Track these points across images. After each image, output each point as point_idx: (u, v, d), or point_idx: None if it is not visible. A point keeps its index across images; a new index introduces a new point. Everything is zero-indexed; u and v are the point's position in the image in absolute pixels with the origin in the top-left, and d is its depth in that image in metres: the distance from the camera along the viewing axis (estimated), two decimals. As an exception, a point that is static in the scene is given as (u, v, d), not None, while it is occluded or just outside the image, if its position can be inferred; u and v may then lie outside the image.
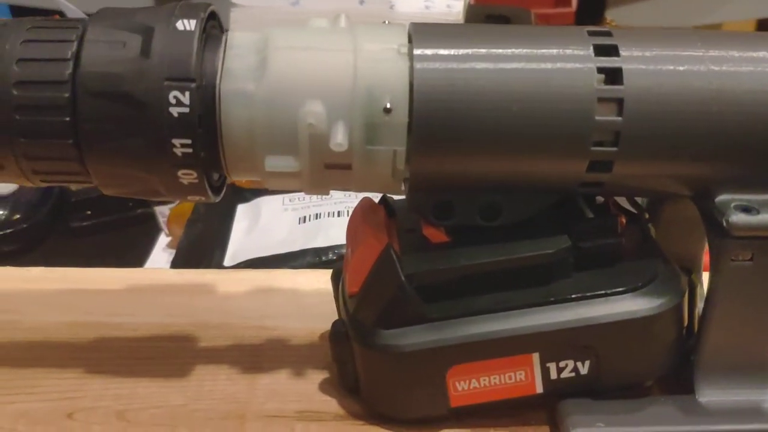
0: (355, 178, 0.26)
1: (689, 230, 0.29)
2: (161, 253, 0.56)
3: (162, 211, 0.57)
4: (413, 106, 0.24)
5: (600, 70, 0.24)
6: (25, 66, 0.24)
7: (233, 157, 0.25)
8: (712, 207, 0.25)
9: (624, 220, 0.28)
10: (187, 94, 0.24)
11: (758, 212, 0.24)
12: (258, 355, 0.32)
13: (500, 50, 0.24)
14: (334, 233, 0.48)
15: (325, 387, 0.30)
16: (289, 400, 0.30)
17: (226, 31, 0.26)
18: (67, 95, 0.24)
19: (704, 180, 0.25)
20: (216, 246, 0.50)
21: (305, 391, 0.30)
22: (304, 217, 0.51)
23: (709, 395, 0.27)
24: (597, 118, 0.24)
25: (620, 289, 0.26)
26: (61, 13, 0.70)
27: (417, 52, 0.24)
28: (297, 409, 0.29)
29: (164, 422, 0.29)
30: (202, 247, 0.51)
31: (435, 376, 0.26)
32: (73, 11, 0.69)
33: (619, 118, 0.24)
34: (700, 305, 0.28)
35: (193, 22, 0.24)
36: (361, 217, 0.30)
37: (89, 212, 0.58)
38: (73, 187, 0.55)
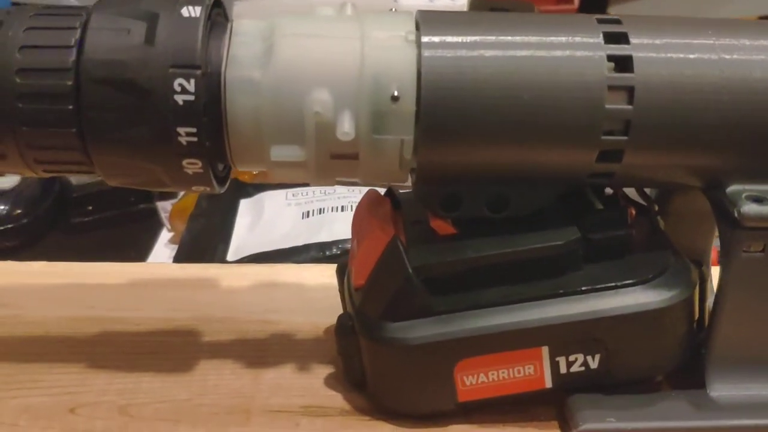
0: (362, 168, 0.25)
1: (698, 222, 0.29)
2: (163, 248, 0.56)
3: (164, 206, 0.57)
4: (421, 94, 0.24)
5: (610, 57, 0.24)
6: (28, 53, 0.24)
7: (239, 146, 0.25)
8: (723, 197, 0.25)
9: (633, 212, 0.27)
10: (192, 81, 0.23)
11: (771, 202, 0.24)
12: (262, 350, 0.32)
13: (509, 38, 0.24)
14: (338, 228, 0.48)
15: (330, 381, 0.30)
16: (294, 395, 0.29)
17: (232, 20, 0.25)
18: (70, 83, 0.23)
19: (715, 170, 0.25)
20: (219, 241, 0.50)
21: (310, 385, 0.30)
22: (308, 212, 0.50)
23: (720, 389, 0.27)
24: (607, 106, 0.24)
25: (630, 282, 0.26)
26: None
27: (425, 39, 0.24)
28: (302, 404, 0.29)
29: (168, 417, 0.28)
30: (205, 242, 0.51)
31: (442, 370, 0.26)
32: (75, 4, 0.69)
33: (630, 107, 0.24)
34: (710, 298, 0.28)
35: (198, 9, 0.24)
36: (366, 209, 0.29)
37: (91, 207, 0.57)
38: (75, 179, 0.55)
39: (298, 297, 0.35)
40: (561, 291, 0.26)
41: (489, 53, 0.24)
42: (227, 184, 0.27)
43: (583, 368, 0.26)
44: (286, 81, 0.24)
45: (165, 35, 0.23)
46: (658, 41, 0.24)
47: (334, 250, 0.46)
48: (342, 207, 0.50)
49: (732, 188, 0.25)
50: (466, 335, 0.26)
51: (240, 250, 0.49)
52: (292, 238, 0.48)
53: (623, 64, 0.24)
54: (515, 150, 0.25)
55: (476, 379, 0.26)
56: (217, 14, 0.25)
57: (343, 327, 0.27)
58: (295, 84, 0.24)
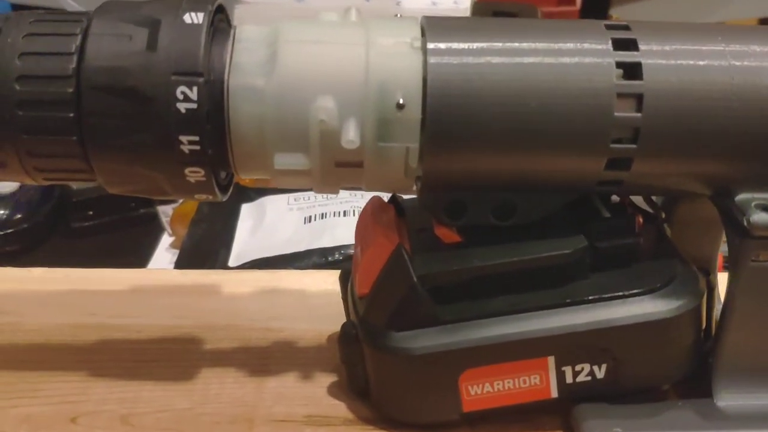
0: (367, 176, 0.25)
1: (705, 230, 0.29)
2: (164, 253, 0.56)
3: (165, 211, 0.56)
4: (427, 101, 0.23)
5: (619, 64, 0.23)
6: (28, 60, 0.23)
7: (242, 154, 0.25)
8: (732, 206, 0.24)
9: (641, 220, 0.27)
10: (195, 89, 0.23)
11: (781, 211, 0.24)
12: (265, 358, 0.31)
13: (516, 44, 0.24)
14: (340, 233, 0.48)
15: (333, 390, 0.30)
16: (298, 404, 0.29)
17: (235, 26, 0.25)
18: (71, 90, 0.23)
19: (724, 178, 0.25)
20: (220, 246, 0.50)
21: (314, 394, 0.29)
22: (310, 217, 0.50)
23: (727, 399, 0.26)
24: (616, 114, 0.23)
25: (638, 291, 0.25)
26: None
27: (430, 46, 0.24)
28: (305, 414, 0.29)
29: (170, 427, 0.28)
30: (206, 247, 0.50)
31: (447, 379, 0.26)
32: (74, 9, 0.68)
33: (639, 114, 0.23)
34: (717, 307, 0.28)
35: (200, 15, 0.24)
36: (370, 216, 0.29)
37: (91, 212, 0.57)
38: (75, 184, 0.54)
39: (301, 304, 0.35)
40: (568, 300, 0.25)
41: (496, 60, 0.23)
42: (230, 191, 0.27)
43: (589, 378, 0.26)
44: (290, 88, 0.24)
45: (167, 42, 0.23)
46: (667, 48, 0.24)
47: (337, 255, 0.46)
48: (344, 212, 0.50)
49: (741, 197, 0.24)
50: (471, 345, 0.25)
51: (242, 255, 0.49)
52: (294, 243, 0.47)
53: (632, 71, 0.23)
54: (522, 158, 0.24)
55: (481, 389, 0.26)
56: (220, 20, 0.25)
57: (347, 336, 0.27)
58: (299, 91, 0.23)
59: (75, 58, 0.23)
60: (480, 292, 0.26)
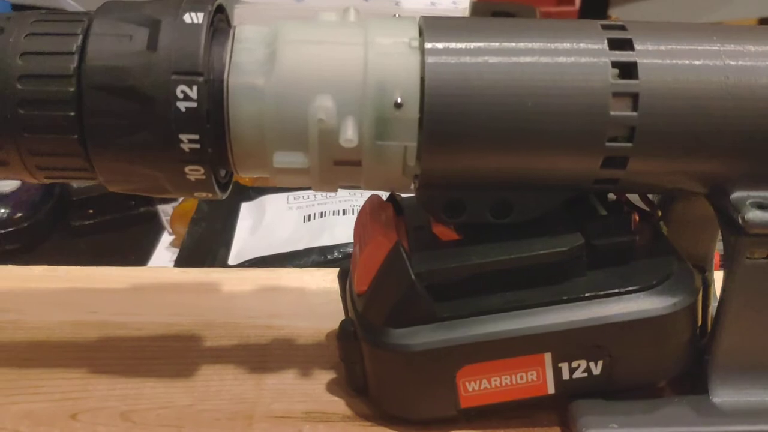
0: (365, 174, 0.25)
1: (701, 228, 0.29)
2: (164, 251, 0.56)
3: (165, 210, 0.57)
4: (424, 100, 0.23)
5: (614, 64, 0.24)
6: (30, 60, 0.24)
7: (241, 152, 0.25)
8: (728, 204, 0.25)
9: (637, 218, 0.27)
10: (195, 88, 0.23)
11: (775, 209, 0.24)
12: (264, 355, 0.32)
13: (513, 44, 0.24)
14: (339, 232, 0.48)
15: (332, 387, 0.30)
16: (297, 401, 0.29)
17: (234, 26, 0.25)
18: (72, 89, 0.23)
19: (720, 176, 0.25)
20: (220, 245, 0.50)
21: (313, 391, 0.30)
22: (309, 216, 0.50)
23: (723, 396, 0.26)
24: (612, 113, 0.24)
25: (634, 288, 0.26)
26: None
27: (428, 45, 0.24)
28: (304, 410, 0.29)
29: (171, 423, 0.28)
30: (206, 245, 0.50)
31: (445, 376, 0.26)
32: (74, 9, 0.69)
33: (634, 113, 0.24)
34: (713, 304, 0.28)
35: (200, 15, 0.24)
36: (369, 214, 0.29)
37: (91, 211, 0.57)
38: (75, 183, 0.55)
39: (300, 302, 0.35)
40: (564, 297, 0.26)
41: (493, 60, 0.24)
42: (229, 189, 0.27)
43: (585, 374, 0.26)
44: (290, 88, 0.24)
45: (167, 41, 0.23)
46: (662, 47, 0.24)
47: (336, 254, 0.46)
48: (343, 210, 0.50)
49: (736, 195, 0.25)
50: (468, 341, 0.25)
51: (241, 253, 0.49)
52: (294, 242, 0.48)
53: (628, 70, 0.24)
54: (519, 156, 0.24)
55: (479, 386, 0.26)
56: (220, 20, 0.25)
57: (346, 333, 0.27)
58: (298, 91, 0.24)
59: (76, 57, 0.24)
60: (478, 289, 0.26)
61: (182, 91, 0.23)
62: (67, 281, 0.37)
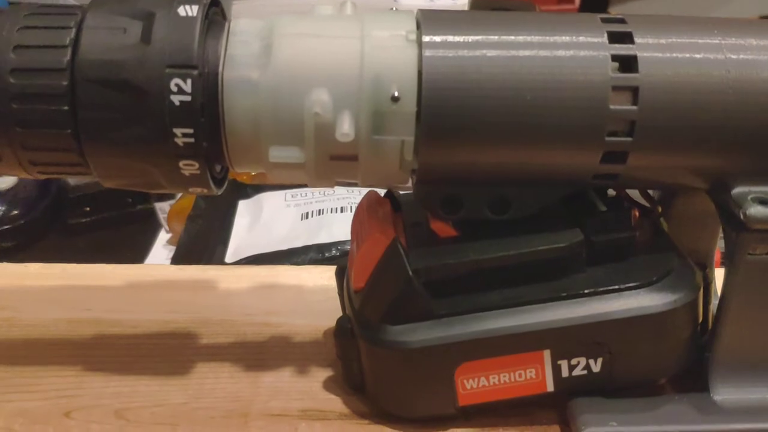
0: (362, 169, 0.25)
1: (702, 224, 0.29)
2: (161, 249, 0.56)
3: (162, 207, 0.56)
4: (422, 94, 0.23)
5: (614, 57, 0.23)
6: (22, 53, 0.23)
7: (236, 147, 0.25)
8: (729, 199, 0.24)
9: (637, 214, 0.27)
10: (189, 81, 0.23)
11: (777, 204, 0.24)
12: (261, 353, 0.31)
13: (512, 37, 0.24)
14: (337, 229, 0.47)
15: (329, 385, 0.29)
16: (293, 399, 0.29)
17: (229, 19, 0.25)
18: (65, 83, 0.23)
19: (721, 171, 0.25)
20: (217, 242, 0.50)
21: (309, 389, 0.29)
22: (307, 213, 0.50)
23: (724, 393, 0.26)
24: (611, 107, 0.23)
25: (634, 284, 0.25)
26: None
27: (426, 38, 0.23)
28: (301, 408, 0.29)
29: (165, 421, 0.28)
30: (203, 243, 0.50)
31: (443, 373, 0.26)
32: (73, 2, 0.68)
33: (634, 107, 0.23)
34: (714, 301, 0.28)
35: (195, 8, 0.24)
36: (366, 210, 0.29)
37: (88, 208, 0.57)
38: (72, 180, 0.54)
39: (298, 299, 0.35)
40: (563, 294, 0.25)
41: (491, 53, 0.23)
42: (225, 185, 0.27)
43: (585, 372, 0.26)
44: (285, 81, 0.23)
45: (161, 34, 0.23)
46: (663, 41, 0.24)
47: (333, 251, 0.46)
48: (341, 208, 0.50)
49: (737, 190, 0.24)
50: (467, 339, 0.25)
51: (238, 251, 0.49)
52: (291, 239, 0.47)
53: (628, 64, 0.23)
54: (518, 151, 0.24)
55: (477, 383, 0.26)
56: (215, 13, 0.25)
57: (343, 330, 0.27)
58: (294, 84, 0.23)
59: (69, 51, 0.23)
60: (476, 285, 0.26)
61: (176, 85, 0.23)
62: (62, 278, 0.36)
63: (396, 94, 0.23)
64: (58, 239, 0.56)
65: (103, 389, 0.29)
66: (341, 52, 0.24)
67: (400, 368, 0.26)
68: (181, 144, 0.23)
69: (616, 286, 0.25)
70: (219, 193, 0.27)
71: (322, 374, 0.30)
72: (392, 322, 0.26)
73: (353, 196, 0.50)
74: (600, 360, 0.26)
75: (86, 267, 0.38)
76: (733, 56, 0.24)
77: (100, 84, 0.23)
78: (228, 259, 0.48)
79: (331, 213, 0.49)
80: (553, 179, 0.25)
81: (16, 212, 0.55)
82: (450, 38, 0.24)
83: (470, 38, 0.24)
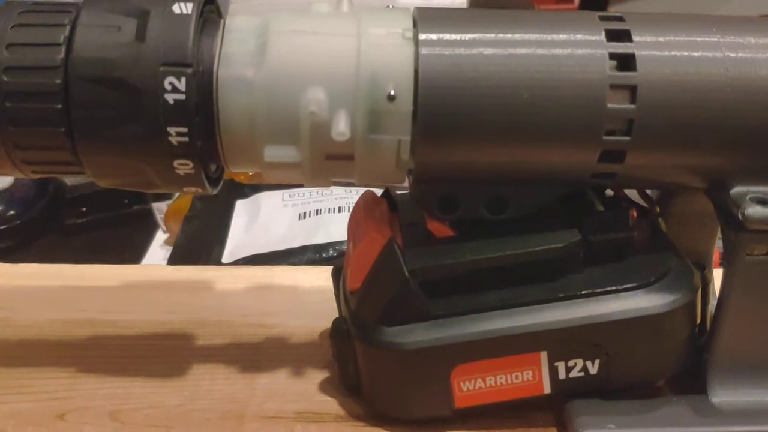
0: (358, 169, 0.25)
1: (700, 225, 0.29)
2: (158, 249, 0.56)
3: (159, 207, 0.56)
4: (418, 93, 0.23)
5: (612, 56, 0.23)
6: (16, 51, 0.23)
7: (231, 146, 0.24)
8: (727, 199, 0.24)
9: (635, 214, 0.27)
10: (183, 80, 0.23)
11: (776, 205, 0.23)
12: (257, 354, 0.31)
13: (509, 35, 0.23)
14: (334, 229, 0.47)
15: (325, 387, 0.29)
16: (289, 401, 0.29)
17: (225, 17, 0.25)
18: (59, 81, 0.23)
19: (719, 171, 0.24)
20: (214, 242, 0.50)
21: (305, 391, 0.29)
22: (304, 213, 0.50)
23: (722, 395, 0.26)
24: (609, 105, 0.23)
25: (631, 285, 0.25)
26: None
27: (422, 36, 0.23)
28: (296, 410, 0.28)
29: (159, 423, 0.28)
30: (200, 243, 0.50)
31: (439, 375, 0.25)
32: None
33: (632, 106, 0.23)
34: (712, 302, 0.28)
35: (189, 6, 0.23)
36: (363, 210, 0.29)
37: (85, 209, 0.57)
38: (69, 180, 0.54)
39: (294, 300, 0.35)
40: (561, 295, 0.25)
41: (488, 51, 0.23)
42: (220, 185, 0.27)
43: (582, 373, 0.26)
44: (281, 79, 0.23)
45: (156, 32, 0.23)
46: (661, 39, 0.24)
47: (331, 251, 0.46)
48: (339, 208, 0.49)
49: (736, 190, 0.24)
50: (463, 340, 0.25)
51: (236, 251, 0.49)
52: (289, 239, 0.47)
53: (626, 62, 0.23)
54: (515, 150, 0.24)
55: (473, 385, 0.26)
56: (210, 11, 0.25)
57: (339, 331, 0.27)
58: (289, 83, 0.23)
59: (63, 49, 0.23)
60: (472, 286, 0.26)
61: (170, 83, 0.23)
62: (57, 279, 0.36)
63: (392, 92, 0.23)
64: (55, 239, 0.56)
65: (97, 391, 0.29)
66: (337, 50, 0.23)
67: (396, 370, 0.26)
68: (175, 143, 0.23)
69: (614, 287, 0.25)
70: (214, 193, 0.26)
71: (318, 376, 0.30)
72: (388, 323, 0.25)
73: (351, 196, 0.50)
74: (597, 361, 0.25)
75: (82, 267, 0.37)
76: (732, 54, 0.23)
77: (94, 82, 0.23)
78: (225, 259, 0.48)
79: (328, 213, 0.49)
80: (550, 178, 0.25)
81: (13, 212, 0.55)
82: (447, 36, 0.23)
83: (467, 36, 0.23)
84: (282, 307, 0.34)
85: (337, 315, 0.28)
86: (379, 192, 0.30)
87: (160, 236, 0.56)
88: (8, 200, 0.54)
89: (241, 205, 0.52)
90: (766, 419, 0.26)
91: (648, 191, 0.28)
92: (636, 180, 0.26)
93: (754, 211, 0.23)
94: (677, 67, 0.23)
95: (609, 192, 0.27)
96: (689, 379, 0.27)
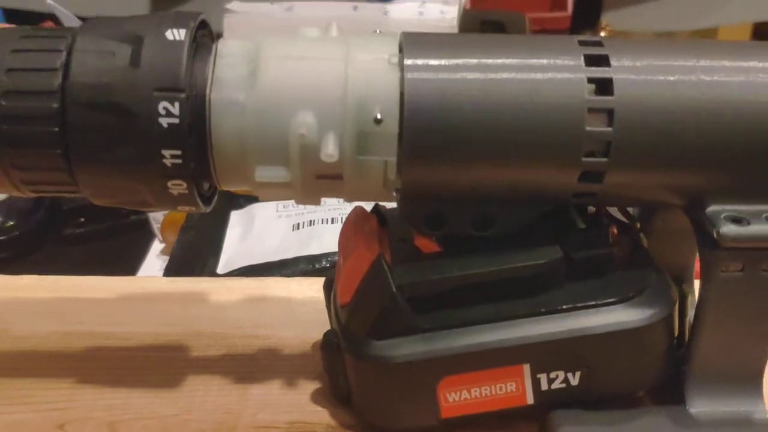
0: (347, 188, 0.26)
1: (680, 239, 0.29)
2: (155, 259, 0.56)
3: (156, 218, 0.57)
4: (404, 116, 0.24)
5: (590, 80, 0.24)
6: (14, 76, 0.24)
7: (224, 167, 0.25)
8: (703, 217, 0.25)
9: (615, 230, 0.27)
10: (177, 104, 0.23)
11: (749, 223, 0.24)
12: (250, 365, 0.32)
13: (491, 60, 0.24)
14: (327, 240, 0.48)
15: (317, 398, 0.30)
16: (281, 411, 0.30)
17: (217, 39, 0.26)
18: (56, 105, 0.24)
19: (695, 190, 0.25)
20: (210, 253, 0.50)
21: (297, 401, 0.30)
22: (298, 224, 0.50)
23: (699, 406, 0.27)
24: (587, 128, 0.24)
25: (611, 300, 0.26)
26: (53, 16, 0.70)
27: (407, 62, 0.24)
28: (288, 420, 0.29)
29: (155, 433, 0.29)
30: (196, 254, 0.51)
31: (426, 387, 0.26)
32: (65, 14, 0.69)
33: (610, 129, 0.24)
34: (691, 313, 0.28)
35: (182, 32, 0.24)
36: (353, 226, 0.30)
37: (82, 219, 0.58)
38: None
39: (287, 311, 0.36)
40: (543, 309, 0.26)
41: (471, 75, 0.24)
42: (213, 203, 0.27)
43: (564, 385, 0.26)
44: (271, 103, 0.24)
45: (150, 58, 0.24)
46: (638, 63, 0.24)
47: (324, 262, 0.46)
48: (332, 219, 0.50)
49: (712, 208, 0.25)
50: (449, 353, 0.26)
51: (230, 262, 0.49)
52: (282, 250, 0.48)
53: (603, 86, 0.24)
54: (497, 170, 0.25)
55: (459, 396, 0.26)
56: (203, 35, 0.26)
57: (329, 344, 0.28)
58: (279, 106, 0.24)
59: (60, 74, 0.24)
60: (458, 301, 0.26)
61: (164, 108, 0.23)
62: (55, 291, 0.37)
63: (379, 116, 0.24)
64: (53, 250, 0.57)
65: (96, 402, 0.30)
66: (326, 74, 0.24)
67: (385, 382, 0.27)
68: (169, 165, 0.24)
69: (595, 302, 0.26)
70: (207, 211, 0.27)
71: (310, 387, 0.31)
72: (377, 337, 0.26)
73: (344, 206, 0.51)
74: (578, 373, 0.26)
75: (79, 279, 0.38)
76: (707, 78, 0.24)
77: (90, 106, 0.24)
78: (220, 270, 0.49)
79: (321, 224, 0.50)
80: (533, 197, 0.26)
81: (12, 223, 0.55)
82: (431, 62, 0.24)
83: (451, 61, 0.24)
84: (275, 318, 0.35)
85: (328, 326, 0.29)
86: (369, 206, 0.31)
87: (157, 246, 0.57)
88: (7, 211, 0.55)
89: (235, 216, 0.53)
90: (741, 428, 0.27)
91: (629, 208, 0.29)
92: (616, 198, 0.27)
93: (729, 229, 0.24)
94: (653, 91, 0.24)
95: (591, 209, 0.28)
96: (668, 390, 0.27)
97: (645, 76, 0.24)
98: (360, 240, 0.28)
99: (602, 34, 1.03)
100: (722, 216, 0.25)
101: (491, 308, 0.26)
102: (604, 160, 0.24)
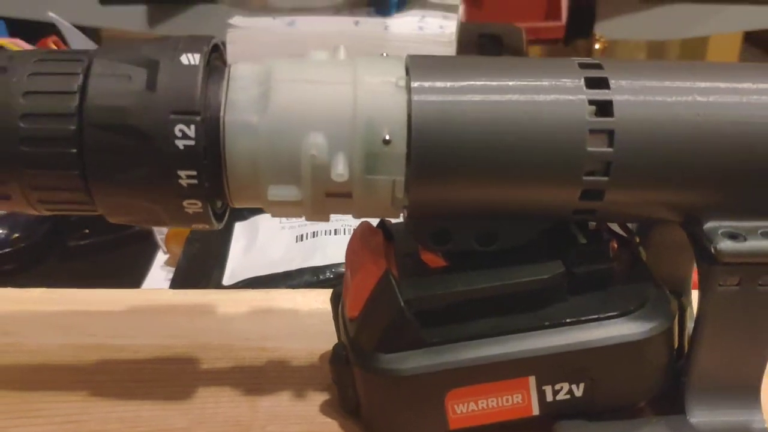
0: (356, 205, 0.26)
1: (679, 253, 0.30)
2: (159, 270, 0.57)
3: (160, 229, 0.57)
4: (411, 137, 0.25)
5: (591, 102, 0.25)
6: (32, 99, 0.25)
7: (237, 186, 0.26)
8: (701, 233, 0.26)
9: (615, 245, 0.28)
10: (192, 127, 0.24)
11: (745, 239, 0.25)
12: (259, 377, 0.33)
13: (494, 82, 0.25)
14: (331, 251, 0.49)
15: (326, 409, 0.31)
16: (291, 423, 0.30)
17: (229, 65, 0.26)
18: (73, 128, 0.24)
19: (693, 207, 0.26)
20: (215, 265, 0.51)
21: (307, 413, 0.31)
22: (302, 236, 0.51)
23: (699, 415, 0.28)
24: (588, 149, 0.25)
25: (613, 314, 0.27)
26: (52, 26, 0.71)
27: (414, 84, 0.25)
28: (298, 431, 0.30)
29: (168, 445, 0.29)
30: (201, 265, 0.51)
31: (434, 399, 0.27)
32: (66, 26, 0.69)
33: (610, 149, 0.25)
34: (690, 325, 0.29)
35: (197, 56, 0.25)
36: (360, 241, 0.30)
37: (87, 231, 0.58)
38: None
39: (294, 323, 0.36)
40: (546, 323, 0.27)
41: (476, 98, 0.25)
42: (225, 219, 0.28)
43: (568, 396, 0.27)
44: (283, 125, 0.25)
45: (165, 82, 0.24)
46: (636, 85, 0.25)
47: (328, 274, 0.47)
48: (335, 230, 0.51)
49: (709, 225, 0.26)
50: (456, 366, 0.26)
51: (235, 274, 0.50)
52: (286, 262, 0.49)
53: (604, 108, 0.25)
54: (501, 189, 0.26)
55: (466, 408, 0.27)
56: (216, 59, 0.26)
57: (338, 357, 0.28)
58: (291, 128, 0.25)
59: (77, 97, 0.24)
60: (464, 315, 0.27)
61: (180, 130, 0.24)
62: (65, 304, 0.37)
63: (387, 137, 0.25)
64: (58, 261, 0.57)
65: (108, 414, 0.31)
66: (336, 97, 0.25)
67: (393, 394, 0.27)
68: (185, 185, 0.25)
69: (596, 316, 0.27)
70: (220, 228, 0.28)
71: (319, 398, 0.31)
72: (385, 351, 0.27)
73: (347, 218, 0.51)
74: (582, 385, 0.27)
75: (88, 292, 0.39)
76: (702, 99, 0.25)
77: (106, 129, 0.24)
78: (225, 281, 0.49)
79: (324, 235, 0.51)
80: (535, 214, 0.27)
81: (16, 235, 0.56)
82: (437, 84, 0.25)
83: (456, 84, 0.25)
84: (282, 330, 0.36)
85: (335, 337, 0.30)
86: (375, 221, 0.31)
87: (161, 257, 0.57)
88: (12, 223, 0.56)
89: (239, 228, 0.54)
90: (740, 438, 0.27)
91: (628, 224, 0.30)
92: (615, 215, 0.28)
93: (725, 245, 0.25)
94: (652, 112, 0.25)
95: (592, 224, 0.29)
96: (669, 400, 0.28)
97: (643, 97, 0.25)
98: (367, 255, 0.29)
99: (596, 46, 1.04)
100: (719, 232, 0.25)
101: (496, 322, 0.27)
102: (605, 179, 0.25)
